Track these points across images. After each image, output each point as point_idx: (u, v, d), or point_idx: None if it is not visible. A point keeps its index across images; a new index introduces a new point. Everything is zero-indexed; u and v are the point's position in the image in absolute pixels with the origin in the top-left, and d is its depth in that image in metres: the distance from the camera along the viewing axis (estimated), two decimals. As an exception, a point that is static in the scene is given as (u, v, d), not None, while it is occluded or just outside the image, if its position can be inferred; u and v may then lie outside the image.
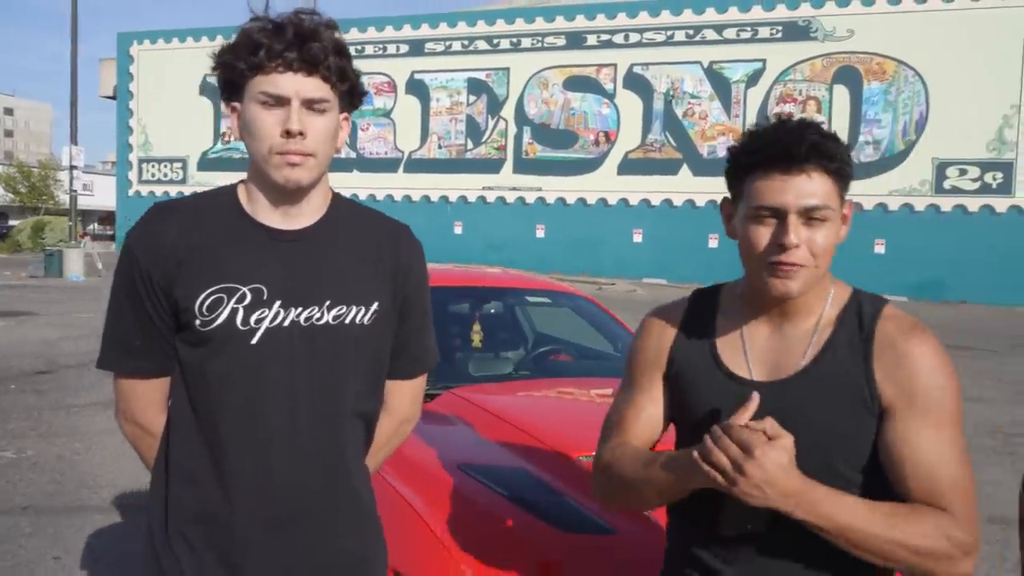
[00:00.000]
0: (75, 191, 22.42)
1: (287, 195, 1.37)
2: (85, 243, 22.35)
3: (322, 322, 1.37)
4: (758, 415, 1.21)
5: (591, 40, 27.49)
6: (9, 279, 19.44)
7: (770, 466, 1.14)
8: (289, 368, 1.35)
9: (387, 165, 29.41)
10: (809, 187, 1.26)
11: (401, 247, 1.49)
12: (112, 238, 37.20)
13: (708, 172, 25.70)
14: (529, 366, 3.45)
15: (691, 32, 26.30)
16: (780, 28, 25.32)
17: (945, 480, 1.23)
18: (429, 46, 29.34)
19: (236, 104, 1.36)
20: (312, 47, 1.30)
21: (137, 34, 33.75)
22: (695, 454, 1.19)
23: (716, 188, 25.31)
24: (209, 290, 1.33)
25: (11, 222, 47.16)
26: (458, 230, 28.22)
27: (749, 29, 25.68)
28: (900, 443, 1.26)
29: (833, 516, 1.17)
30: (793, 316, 1.36)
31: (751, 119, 25.42)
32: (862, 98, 24.35)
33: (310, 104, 1.32)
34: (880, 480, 1.28)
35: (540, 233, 27.37)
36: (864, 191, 23.99)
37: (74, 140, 22.34)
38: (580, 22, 27.54)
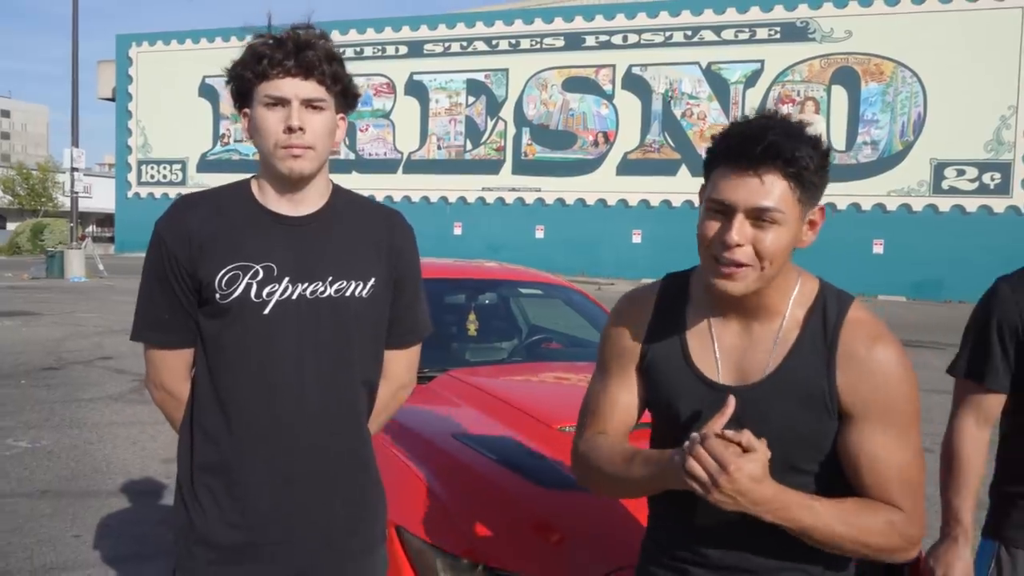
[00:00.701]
0: (76, 193, 22.59)
1: (292, 184, 1.57)
2: (86, 244, 22.52)
3: (325, 295, 1.56)
4: (729, 423, 1.24)
5: (590, 41, 27.62)
6: (11, 280, 19.64)
7: (743, 480, 1.16)
8: (297, 336, 1.54)
9: (386, 166, 29.56)
10: (760, 188, 1.25)
11: (395, 230, 1.69)
12: (111, 240, 37.30)
13: (706, 173, 25.88)
14: (521, 353, 3.65)
15: (689, 33, 26.43)
16: (778, 29, 25.46)
17: (896, 481, 1.30)
18: (428, 47, 29.47)
19: (247, 110, 1.57)
20: (307, 55, 1.52)
21: (136, 36, 33.86)
22: (677, 462, 1.22)
23: (714, 188, 25.53)
24: (227, 267, 1.52)
25: (9, 225, 47.31)
26: (457, 231, 28.34)
27: (747, 30, 25.81)
28: (857, 446, 1.31)
29: (799, 520, 1.23)
30: (758, 313, 1.37)
31: (749, 120, 25.60)
32: (860, 99, 24.46)
33: (308, 103, 1.53)
34: (836, 470, 1.35)
35: (539, 234, 27.50)
36: (862, 191, 24.16)
37: (75, 142, 22.51)
38: (579, 23, 27.67)
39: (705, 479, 1.18)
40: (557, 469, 2.16)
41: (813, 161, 1.26)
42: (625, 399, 1.47)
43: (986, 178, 23.16)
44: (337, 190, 1.67)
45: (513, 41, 28.45)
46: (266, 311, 1.52)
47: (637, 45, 27.03)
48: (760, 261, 1.28)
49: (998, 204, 23.05)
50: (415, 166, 29.37)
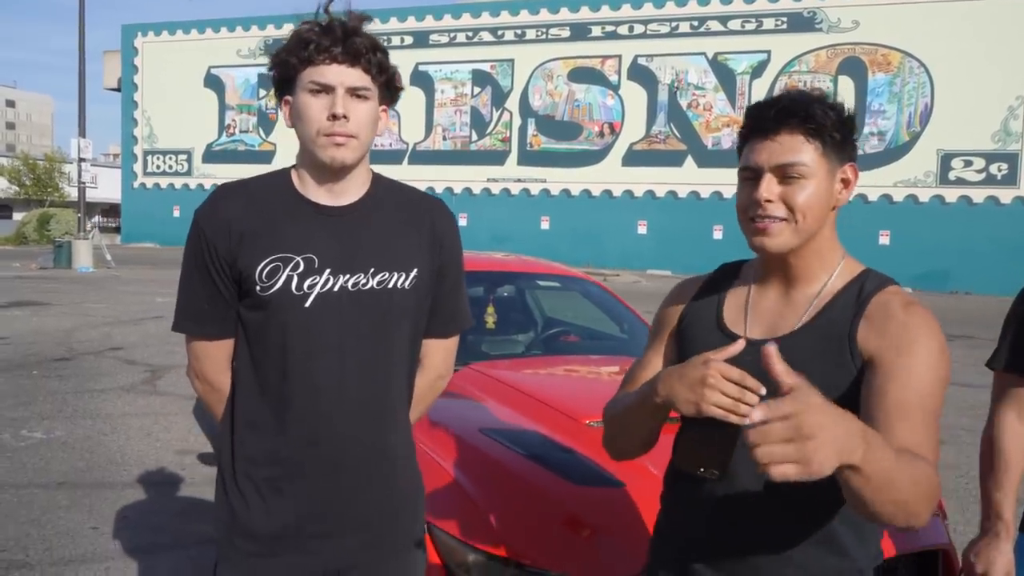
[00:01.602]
0: (84, 183, 22.60)
1: (332, 173, 1.54)
2: (94, 235, 22.55)
3: (368, 287, 1.53)
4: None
5: (596, 31, 27.52)
6: (19, 270, 19.67)
7: (815, 407, 0.92)
8: (338, 329, 1.52)
9: (392, 156, 29.50)
10: (780, 148, 1.31)
11: (437, 219, 1.66)
12: (117, 230, 37.34)
13: (713, 163, 25.76)
14: (539, 346, 3.64)
15: (695, 23, 26.33)
16: (785, 19, 25.34)
17: (919, 435, 1.20)
18: (433, 38, 29.40)
19: (288, 97, 1.53)
20: (355, 42, 1.48)
21: (141, 26, 33.80)
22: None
23: (721, 179, 25.42)
24: (267, 259, 1.49)
25: (16, 215, 47.36)
26: (463, 222, 28.31)
27: (754, 20, 25.70)
28: (880, 396, 1.24)
29: (882, 460, 1.03)
30: (797, 281, 1.40)
31: (755, 111, 25.53)
32: (867, 89, 24.36)
33: (353, 91, 1.49)
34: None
35: (545, 225, 27.48)
36: (869, 182, 24.05)
37: (82, 133, 22.50)
38: (584, 13, 27.57)
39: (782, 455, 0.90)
40: (587, 465, 2.15)
41: (828, 117, 1.31)
42: (654, 369, 1.52)
43: (993, 169, 23.07)
44: (378, 179, 1.64)
45: (519, 31, 28.37)
46: (307, 304, 1.50)
47: (643, 35, 26.93)
48: (793, 214, 1.32)
49: (1005, 195, 22.96)
50: (421, 157, 29.35)
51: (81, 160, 22.19)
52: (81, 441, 5.30)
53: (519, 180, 27.92)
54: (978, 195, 23.18)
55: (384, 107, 1.59)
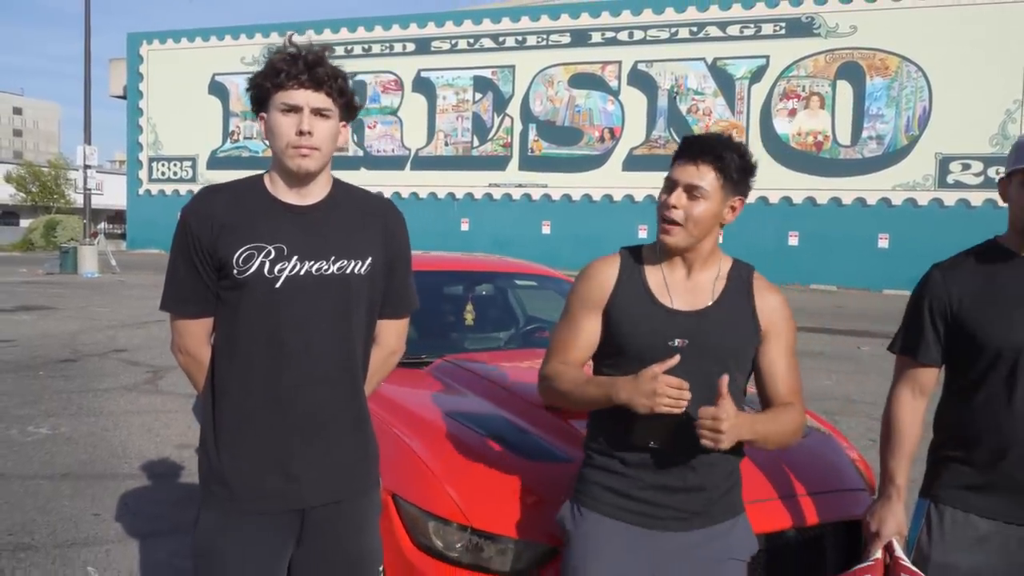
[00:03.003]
0: (90, 190, 22.90)
1: (299, 179, 1.82)
2: (99, 241, 22.85)
3: (329, 272, 1.80)
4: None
5: (596, 37, 27.74)
6: (26, 276, 19.95)
7: (731, 414, 1.68)
8: (304, 306, 1.78)
9: (394, 162, 29.78)
10: (696, 172, 1.83)
11: (388, 218, 1.95)
12: (122, 236, 37.64)
13: (712, 168, 26.01)
14: (516, 341, 3.86)
15: (695, 29, 26.52)
16: (783, 24, 25.52)
17: (794, 386, 1.93)
18: (435, 44, 29.65)
19: (263, 114, 1.81)
20: (318, 71, 1.77)
21: (147, 34, 34.14)
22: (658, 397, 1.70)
23: (719, 183, 25.67)
24: (243, 247, 1.76)
25: (22, 221, 47.75)
26: (465, 227, 28.54)
27: (752, 26, 25.89)
28: (768, 361, 1.92)
29: (761, 430, 1.79)
30: (694, 267, 1.92)
31: (755, 115, 25.67)
32: (865, 93, 24.50)
33: (317, 112, 1.77)
34: (748, 377, 1.96)
35: (546, 229, 27.66)
36: (867, 186, 24.23)
37: (88, 140, 22.82)
38: (585, 20, 27.80)
39: (711, 437, 1.67)
40: (541, 443, 2.37)
41: (734, 162, 1.84)
42: (587, 338, 1.93)
43: (991, 172, 23.16)
44: (337, 183, 1.91)
45: (520, 38, 28.60)
46: (277, 285, 1.76)
47: (643, 41, 27.14)
48: (687, 222, 1.83)
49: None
50: (423, 162, 29.58)
51: (87, 167, 22.48)
52: (85, 436, 5.54)
53: (520, 185, 28.12)
54: (976, 198, 23.29)
55: (344, 123, 1.85)
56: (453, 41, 29.43)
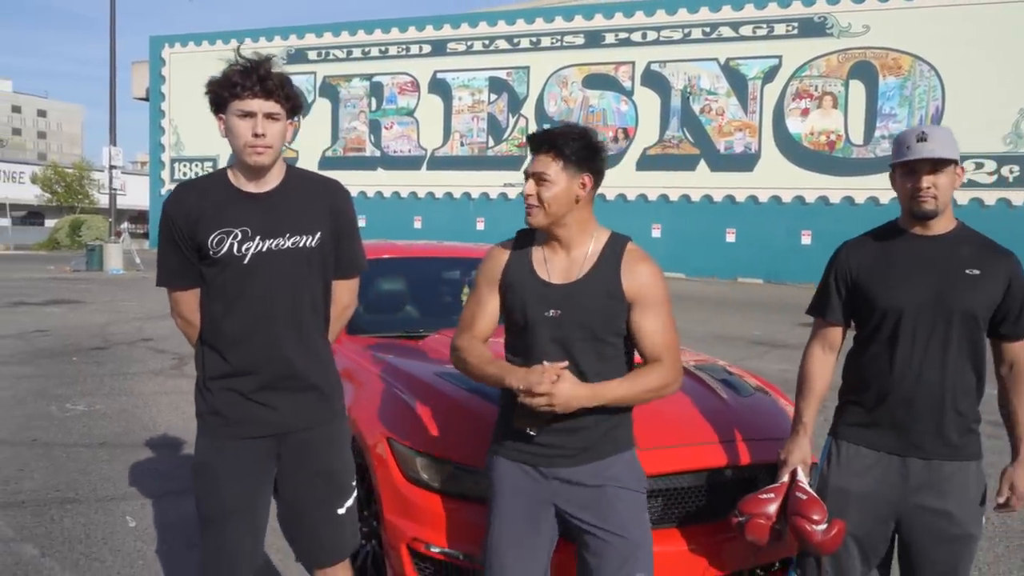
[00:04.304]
0: (115, 190, 23.57)
1: (256, 172, 2.21)
2: (124, 239, 23.53)
3: (285, 247, 2.21)
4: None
5: (609, 38, 28.02)
6: (54, 273, 20.63)
7: (563, 393, 2.01)
8: (268, 276, 2.19)
9: (411, 163, 30.21)
10: (539, 162, 2.14)
11: (334, 196, 2.34)
12: (145, 236, 38.43)
13: (725, 167, 26.18)
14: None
15: (708, 29, 26.74)
16: (796, 24, 25.70)
17: (661, 345, 2.17)
18: (451, 46, 30.05)
19: (222, 116, 2.20)
20: (268, 83, 2.15)
21: (169, 37, 34.78)
22: (519, 392, 2.04)
23: (733, 183, 25.89)
24: (215, 232, 2.17)
25: (47, 222, 48.77)
26: (480, 226, 28.88)
27: (765, 26, 26.07)
28: (636, 325, 2.17)
29: (608, 396, 2.09)
30: (568, 245, 2.20)
31: (768, 115, 25.86)
32: (878, 93, 24.65)
33: (268, 116, 2.14)
34: (625, 342, 2.20)
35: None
36: (880, 185, 24.31)
37: (113, 141, 23.50)
38: (599, 21, 28.09)
39: (543, 403, 2.01)
40: (512, 394, 2.79)
41: (570, 148, 2.12)
42: (490, 312, 2.28)
43: (1005, 171, 23.25)
44: (291, 170, 2.32)
45: (534, 39, 28.94)
46: (246, 261, 2.18)
47: (656, 42, 27.39)
48: (542, 204, 2.14)
49: (1017, 197, 23.14)
50: (439, 162, 29.99)
51: (112, 168, 23.13)
52: (118, 413, 6.01)
53: (535, 185, 28.44)
54: (990, 197, 23.38)
55: (291, 121, 2.26)
56: (468, 43, 29.82)
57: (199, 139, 33.50)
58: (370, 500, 2.89)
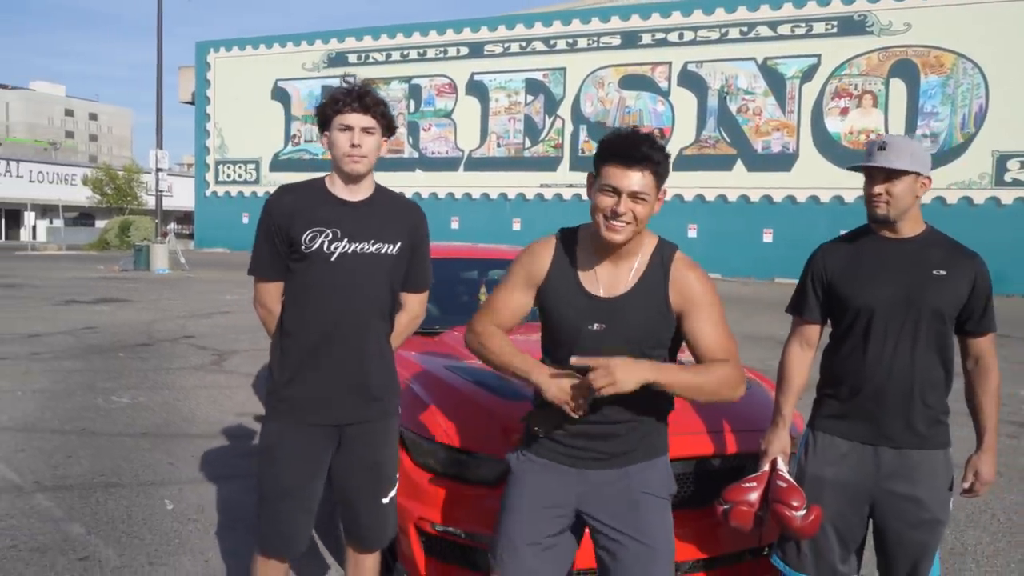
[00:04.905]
0: (161, 192, 24.28)
1: (351, 180, 2.45)
2: (170, 240, 24.23)
3: (369, 251, 2.44)
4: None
5: (646, 39, 28.05)
6: (103, 272, 21.36)
7: (623, 372, 1.89)
8: (349, 275, 2.42)
9: (448, 164, 30.56)
10: (637, 181, 1.99)
11: (413, 215, 2.58)
12: (191, 236, 39.36)
13: (762, 167, 26.07)
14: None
15: (745, 29, 26.63)
16: (835, 23, 25.48)
17: (718, 348, 2.09)
18: (488, 48, 30.33)
19: (327, 132, 2.45)
20: (366, 100, 2.41)
21: (214, 42, 35.62)
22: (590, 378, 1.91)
23: (770, 183, 25.74)
24: (309, 230, 2.41)
25: (98, 223, 50.18)
26: (516, 227, 29.10)
27: (804, 25, 25.88)
28: (693, 332, 2.10)
29: (672, 377, 2.00)
30: (623, 256, 2.12)
31: (806, 114, 25.68)
32: (919, 92, 24.33)
33: (365, 130, 2.40)
34: (669, 357, 2.14)
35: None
36: (921, 184, 24.06)
37: (159, 144, 24.21)
38: (635, 21, 28.13)
39: (600, 380, 1.89)
40: (516, 388, 2.98)
41: (664, 165, 2.04)
42: (519, 306, 2.23)
43: (1052, 170, 22.84)
44: (379, 187, 2.56)
45: (571, 40, 29.08)
46: (332, 258, 2.41)
47: (693, 42, 27.35)
48: (635, 222, 2.03)
49: (1061, 196, 22.73)
50: (476, 163, 30.29)
51: (158, 170, 23.84)
52: (160, 405, 6.34)
53: (571, 185, 28.59)
54: (1035, 196, 22.98)
55: (385, 138, 2.49)
56: (505, 44, 30.07)
57: (242, 142, 34.26)
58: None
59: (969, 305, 2.44)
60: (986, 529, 4.23)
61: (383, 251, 2.44)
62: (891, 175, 2.39)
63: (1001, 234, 22.82)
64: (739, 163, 26.62)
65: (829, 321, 2.61)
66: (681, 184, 27.06)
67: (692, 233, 26.94)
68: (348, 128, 2.38)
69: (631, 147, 2.01)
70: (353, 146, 2.37)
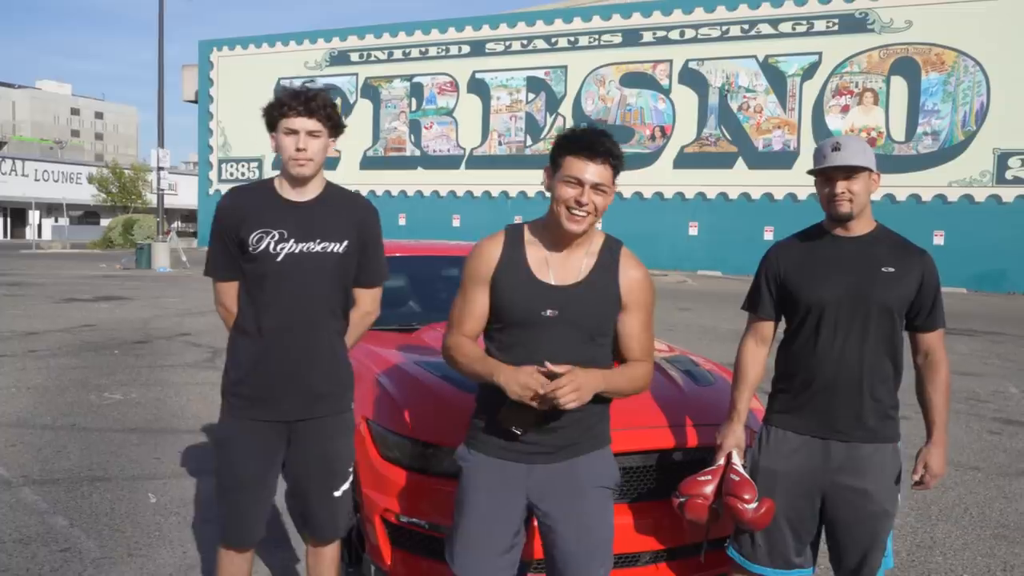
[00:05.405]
0: (162, 190, 24.41)
1: (298, 182, 2.49)
2: (171, 238, 24.37)
3: (315, 251, 2.48)
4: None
5: (647, 37, 28.05)
6: (106, 270, 21.52)
7: (585, 383, 2.04)
8: (297, 275, 2.46)
9: (450, 162, 30.60)
10: (599, 173, 2.11)
11: (362, 212, 2.61)
12: (194, 235, 39.51)
13: (763, 165, 26.06)
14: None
15: (746, 27, 26.62)
16: (836, 21, 25.46)
17: (645, 349, 2.26)
18: (490, 46, 30.36)
19: (273, 133, 2.50)
20: (311, 104, 2.43)
21: (217, 41, 35.68)
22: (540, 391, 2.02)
23: (772, 181, 25.74)
24: (256, 231, 2.46)
25: (103, 221, 50.41)
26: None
27: (805, 22, 25.87)
28: (625, 327, 2.24)
29: (614, 384, 2.17)
30: (574, 246, 2.21)
31: (807, 112, 25.65)
32: (920, 89, 24.29)
33: (311, 133, 2.42)
34: (610, 343, 2.25)
35: (597, 227, 27.96)
36: (922, 182, 24.04)
37: (161, 143, 24.34)
38: (636, 19, 28.13)
39: (572, 397, 2.01)
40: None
41: (621, 158, 2.16)
42: (480, 307, 2.26)
43: (1051, 168, 22.79)
44: (329, 184, 2.59)
45: (572, 38, 29.10)
46: (279, 259, 2.46)
47: (694, 40, 27.34)
48: (595, 212, 2.14)
49: (1063, 194, 22.69)
50: (477, 161, 30.32)
51: (159, 169, 23.96)
52: (151, 401, 6.43)
53: (572, 183, 28.58)
54: (1036, 194, 22.94)
55: (332, 139, 2.53)
56: (507, 43, 30.10)
57: (245, 140, 34.29)
58: (356, 477, 3.18)
59: (918, 301, 2.50)
60: (957, 523, 4.28)
61: (329, 249, 2.47)
62: (850, 173, 2.44)
63: (1002, 232, 22.82)
64: (740, 161, 26.62)
65: (784, 318, 2.67)
66: (682, 182, 27.12)
67: (693, 231, 26.99)
68: (294, 132, 2.41)
69: (594, 141, 2.12)
70: (299, 150, 2.40)
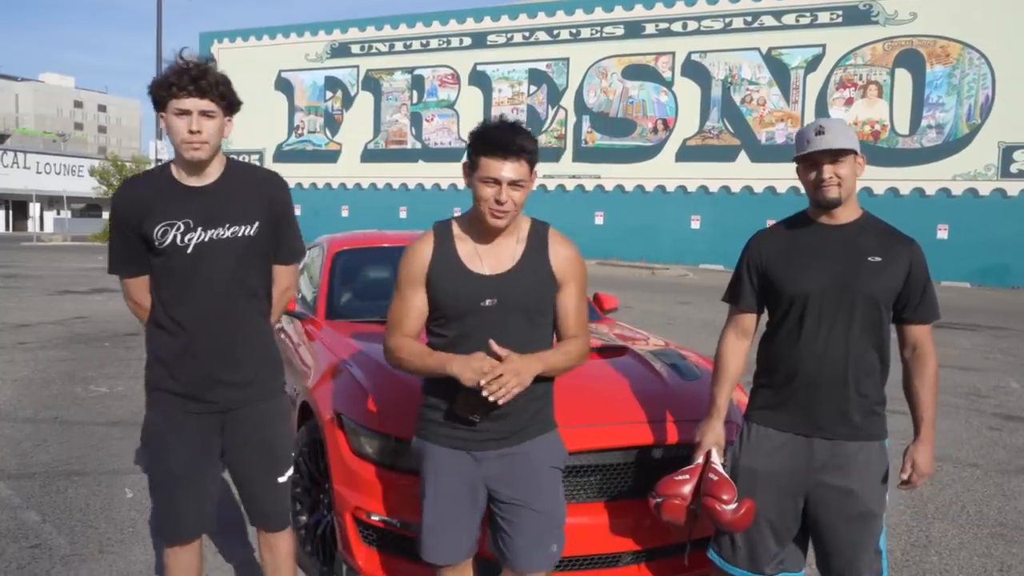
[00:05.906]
0: (162, 182, 24.39)
1: (194, 167, 2.34)
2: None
3: (224, 236, 2.35)
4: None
5: (649, 29, 27.89)
6: (102, 263, 21.34)
7: (523, 368, 2.12)
8: (210, 264, 2.34)
9: (451, 155, 30.46)
10: (516, 170, 2.18)
11: (271, 187, 2.48)
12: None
13: (766, 158, 25.89)
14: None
15: (749, 19, 26.44)
16: (840, 13, 25.28)
17: (580, 323, 2.34)
18: (491, 38, 30.21)
19: (163, 114, 2.34)
20: (202, 83, 2.27)
21: (218, 33, 35.55)
22: (480, 383, 2.09)
23: (774, 174, 25.56)
24: (160, 224, 2.31)
25: (104, 214, 50.34)
26: (519, 217, 29.06)
27: (808, 15, 25.69)
28: (563, 302, 2.32)
29: (551, 364, 2.23)
30: (503, 235, 2.28)
31: (810, 104, 25.50)
32: (925, 82, 24.12)
33: (203, 113, 2.27)
34: (551, 324, 2.34)
35: (599, 220, 27.98)
36: (926, 176, 23.88)
37: (159, 135, 24.28)
38: (639, 11, 27.96)
39: (510, 384, 2.09)
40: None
41: (536, 152, 2.22)
42: (418, 306, 2.30)
43: (1057, 160, 22.63)
44: (230, 163, 2.45)
45: (574, 30, 28.95)
46: (189, 250, 2.33)
47: (697, 32, 27.18)
48: (516, 208, 2.22)
49: (1070, 187, 22.53)
50: (479, 154, 30.20)
51: (158, 161, 23.93)
52: (137, 394, 6.32)
53: (574, 176, 28.51)
54: (1042, 186, 22.77)
55: (228, 117, 2.39)
56: (508, 35, 29.95)
57: (246, 133, 34.04)
58: (328, 473, 3.08)
59: (905, 292, 2.39)
60: (954, 522, 4.17)
61: (240, 233, 2.35)
62: (836, 156, 2.34)
63: (1006, 225, 22.66)
64: (743, 154, 26.48)
65: (766, 311, 2.56)
66: (684, 175, 26.97)
67: (695, 224, 26.86)
68: (185, 113, 2.25)
69: (507, 140, 2.16)
70: (192, 132, 2.24)
